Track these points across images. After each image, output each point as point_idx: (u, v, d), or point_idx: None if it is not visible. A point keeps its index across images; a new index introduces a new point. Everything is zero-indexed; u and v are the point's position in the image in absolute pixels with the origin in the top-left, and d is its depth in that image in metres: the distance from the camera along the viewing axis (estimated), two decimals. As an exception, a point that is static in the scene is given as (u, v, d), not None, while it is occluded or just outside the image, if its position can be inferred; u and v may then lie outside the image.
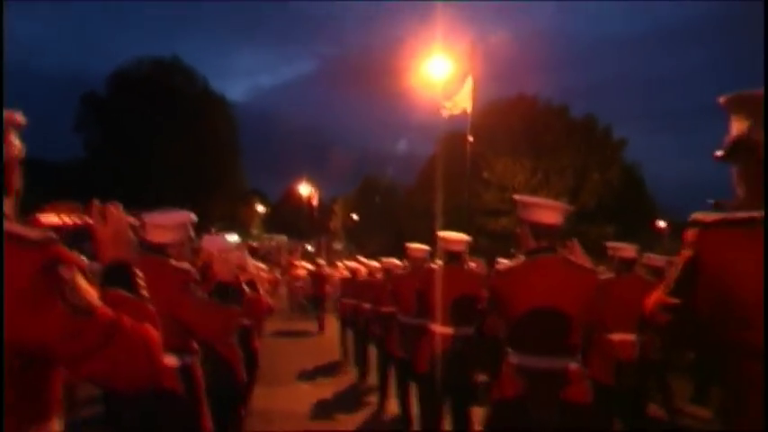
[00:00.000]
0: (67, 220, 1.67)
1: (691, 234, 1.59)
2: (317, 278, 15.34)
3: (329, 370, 9.75)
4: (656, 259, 5.97)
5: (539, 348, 2.96)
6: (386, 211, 40.24)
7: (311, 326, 14.39)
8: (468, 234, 5.01)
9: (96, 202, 1.60)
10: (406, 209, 32.97)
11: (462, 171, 18.52)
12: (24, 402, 1.25)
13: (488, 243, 22.71)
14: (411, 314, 5.37)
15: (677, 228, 25.87)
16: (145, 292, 1.49)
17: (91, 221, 1.58)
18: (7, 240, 1.21)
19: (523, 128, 24.95)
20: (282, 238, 56.04)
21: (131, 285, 1.48)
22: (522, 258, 3.16)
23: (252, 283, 4.81)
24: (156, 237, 2.88)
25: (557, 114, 26.49)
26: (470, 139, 12.50)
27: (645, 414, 5.49)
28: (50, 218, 1.82)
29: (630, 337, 4.68)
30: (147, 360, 1.34)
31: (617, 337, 4.65)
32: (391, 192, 42.65)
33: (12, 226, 1.26)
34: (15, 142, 1.44)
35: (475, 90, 12.07)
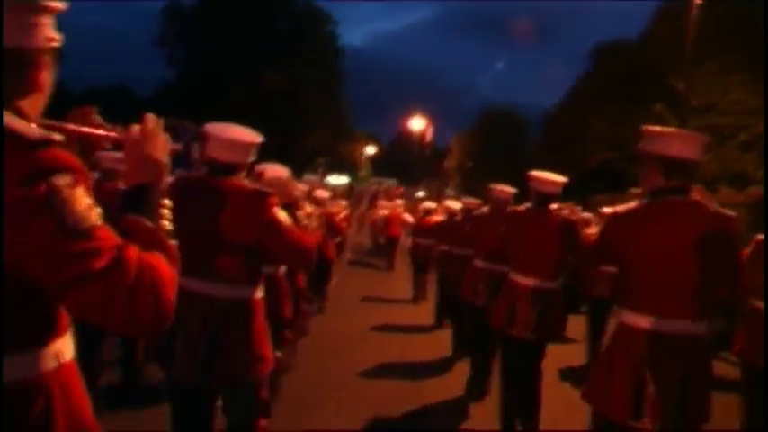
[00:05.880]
0: (101, 131, 1.41)
1: None
2: (387, 220, 17.12)
3: (398, 302, 10.78)
4: None
5: (660, 309, 2.52)
6: (508, 147, 33.00)
7: (384, 262, 16.79)
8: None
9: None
10: (539, 143, 29.27)
11: (627, 93, 10.93)
12: (16, 322, 1.12)
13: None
14: (489, 259, 5.16)
15: None
16: (167, 224, 1.33)
17: (118, 135, 1.40)
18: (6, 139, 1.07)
19: (740, 25, 16.45)
20: (392, 182, 51.07)
21: (153, 213, 1.30)
22: (645, 200, 2.70)
23: (298, 218, 4.92)
24: (224, 155, 2.75)
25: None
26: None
27: None
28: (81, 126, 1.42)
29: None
30: (152, 298, 1.13)
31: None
32: (516, 124, 34.99)
33: (14, 121, 1.09)
34: (46, 30, 1.23)
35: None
